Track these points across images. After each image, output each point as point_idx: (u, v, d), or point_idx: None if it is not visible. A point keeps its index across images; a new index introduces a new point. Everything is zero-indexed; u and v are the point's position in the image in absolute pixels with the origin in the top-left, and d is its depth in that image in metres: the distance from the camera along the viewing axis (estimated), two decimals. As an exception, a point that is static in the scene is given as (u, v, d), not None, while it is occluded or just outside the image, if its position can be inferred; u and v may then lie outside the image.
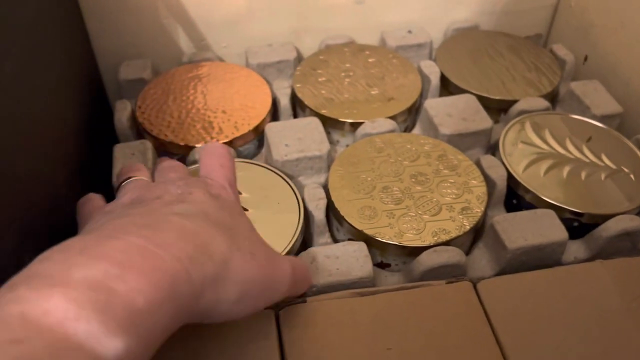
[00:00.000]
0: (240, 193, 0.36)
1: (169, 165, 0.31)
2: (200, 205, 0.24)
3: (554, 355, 0.29)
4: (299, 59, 0.48)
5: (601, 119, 0.42)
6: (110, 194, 0.32)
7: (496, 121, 0.45)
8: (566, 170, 0.38)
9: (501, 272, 0.34)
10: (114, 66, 0.46)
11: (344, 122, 0.42)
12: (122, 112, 0.41)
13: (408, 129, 0.45)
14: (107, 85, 0.47)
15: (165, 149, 0.40)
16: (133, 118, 0.42)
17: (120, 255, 0.19)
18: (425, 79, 0.45)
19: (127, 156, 0.38)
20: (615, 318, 0.30)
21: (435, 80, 0.45)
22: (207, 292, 0.21)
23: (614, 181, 0.38)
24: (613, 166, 0.39)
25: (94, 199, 0.31)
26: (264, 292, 0.25)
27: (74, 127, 0.38)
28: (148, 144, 0.39)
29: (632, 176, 0.38)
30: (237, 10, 0.47)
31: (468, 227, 0.34)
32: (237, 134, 0.40)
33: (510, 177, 0.38)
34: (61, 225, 0.31)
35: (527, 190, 0.37)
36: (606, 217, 0.35)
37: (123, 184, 0.29)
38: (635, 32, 0.44)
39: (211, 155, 0.30)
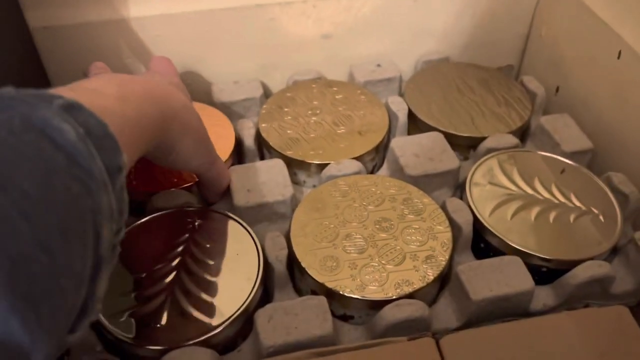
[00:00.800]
0: (199, 244, 0.35)
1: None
2: (153, 75, 0.35)
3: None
4: (267, 95, 0.48)
5: (571, 155, 0.42)
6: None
7: (466, 158, 0.44)
8: (534, 212, 0.37)
9: (467, 323, 0.34)
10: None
11: (309, 164, 0.41)
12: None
13: (376, 167, 0.44)
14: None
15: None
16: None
17: (119, 79, 0.28)
18: (393, 116, 0.45)
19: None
20: (581, 375, 0.29)
21: (402, 117, 0.44)
22: (177, 120, 0.30)
23: (583, 223, 0.37)
24: (582, 207, 0.38)
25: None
26: (205, 144, 0.34)
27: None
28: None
29: (601, 217, 0.37)
30: (202, 46, 0.46)
31: (432, 278, 0.33)
32: (197, 179, 0.39)
33: (477, 221, 0.37)
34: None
35: (494, 236, 0.36)
36: (575, 263, 0.34)
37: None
38: (604, 66, 0.43)
39: (155, 61, 0.39)
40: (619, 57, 0.41)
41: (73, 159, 0.19)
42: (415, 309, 0.32)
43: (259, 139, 0.43)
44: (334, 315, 0.34)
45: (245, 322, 0.32)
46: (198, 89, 0.47)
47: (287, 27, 0.46)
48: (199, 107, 0.44)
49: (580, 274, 0.34)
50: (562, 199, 0.38)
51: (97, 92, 0.25)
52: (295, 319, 0.31)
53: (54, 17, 0.42)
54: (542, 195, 0.39)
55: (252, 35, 0.46)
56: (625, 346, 0.30)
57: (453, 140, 0.43)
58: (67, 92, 0.22)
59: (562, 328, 0.31)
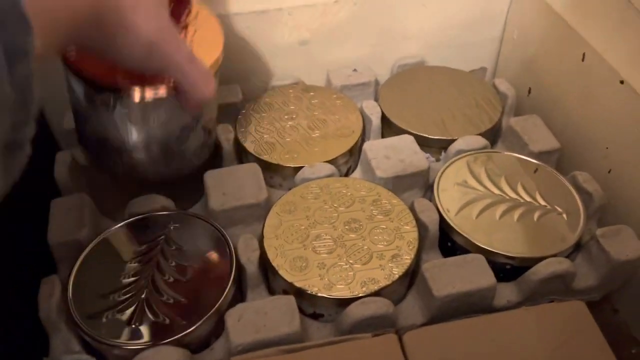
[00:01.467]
0: (173, 247, 0.36)
1: None
2: None
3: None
4: (246, 100, 0.49)
5: (539, 155, 0.43)
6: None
7: (438, 159, 0.45)
8: (500, 211, 0.39)
9: (432, 319, 0.35)
10: (60, 112, 0.46)
11: (285, 167, 0.42)
12: (62, 165, 0.41)
13: (351, 170, 0.45)
14: (54, 132, 0.48)
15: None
16: (73, 170, 0.42)
17: None
18: (367, 119, 0.46)
19: (63, 212, 0.38)
20: (537, 367, 0.30)
21: (376, 120, 0.45)
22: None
23: (547, 221, 0.38)
24: (547, 205, 0.39)
25: None
26: (168, 40, 0.28)
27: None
28: (85, 198, 0.39)
29: (564, 215, 0.38)
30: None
31: (397, 276, 0.35)
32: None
33: (443, 221, 0.38)
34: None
35: (459, 234, 0.37)
36: (538, 260, 0.36)
37: None
38: (571, 66, 0.44)
39: None
40: (583, 60, 0.43)
41: None
42: (379, 306, 0.33)
43: (237, 143, 0.45)
44: (304, 313, 0.35)
45: (217, 322, 0.34)
46: (178, 95, 0.48)
47: (264, 35, 0.48)
48: None
49: (542, 270, 0.35)
50: (528, 199, 0.40)
51: None
52: (264, 317, 0.33)
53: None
54: (508, 195, 0.40)
55: (229, 42, 0.47)
56: (580, 339, 0.32)
57: (425, 143, 0.44)
58: None
59: (521, 323, 0.32)
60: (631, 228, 0.37)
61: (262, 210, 0.39)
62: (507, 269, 0.37)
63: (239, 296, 0.37)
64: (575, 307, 0.33)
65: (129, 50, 0.26)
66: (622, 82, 0.39)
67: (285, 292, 0.35)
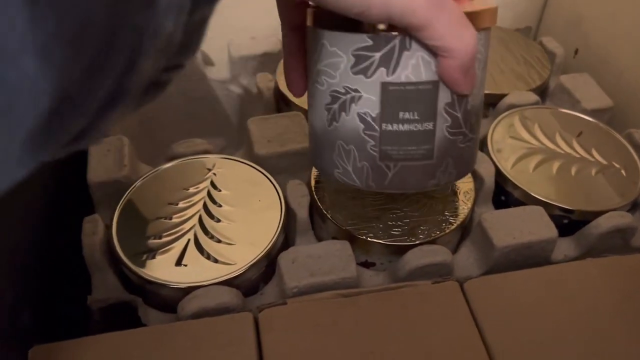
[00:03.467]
0: (220, 190, 0.35)
1: None
2: None
3: (542, 357, 0.28)
4: (284, 51, 0.47)
5: (591, 113, 0.41)
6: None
7: (485, 116, 0.44)
8: (556, 165, 0.37)
9: (489, 271, 0.33)
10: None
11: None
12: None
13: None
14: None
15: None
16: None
17: None
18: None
19: (102, 153, 0.36)
20: (605, 318, 0.29)
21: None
22: None
23: (605, 177, 0.37)
24: (604, 161, 0.38)
25: None
26: None
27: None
28: (124, 140, 0.37)
29: (623, 171, 0.37)
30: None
31: (454, 225, 0.33)
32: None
33: (499, 174, 0.36)
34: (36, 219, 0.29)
35: (516, 187, 0.36)
36: (597, 214, 0.34)
37: None
38: (626, 24, 0.43)
39: None
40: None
41: None
42: (438, 253, 0.32)
43: (277, 92, 0.43)
44: (355, 262, 0.34)
45: (267, 266, 0.32)
46: (214, 43, 0.47)
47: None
48: None
49: (603, 223, 0.34)
50: (584, 154, 0.38)
51: None
52: (318, 261, 0.31)
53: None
54: (563, 149, 0.38)
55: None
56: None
57: (473, 97, 0.42)
58: None
59: (585, 274, 0.31)
60: (692, 186, 0.36)
61: (307, 160, 0.38)
62: (564, 224, 0.35)
63: (286, 243, 0.35)
64: (638, 261, 0.32)
65: None
66: (687, 35, 0.37)
67: (336, 239, 0.34)
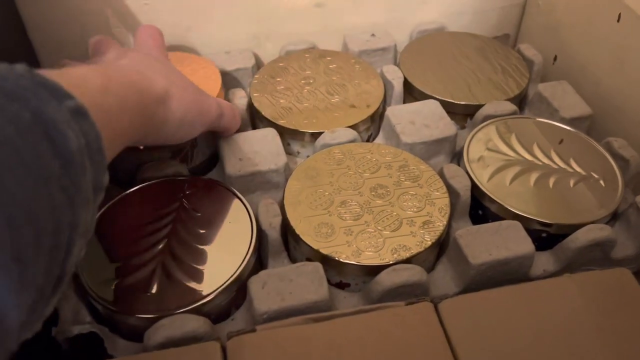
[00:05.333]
0: (189, 212, 0.34)
1: (106, 42, 0.36)
2: (153, 60, 0.33)
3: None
4: (259, 65, 0.46)
5: (570, 121, 0.41)
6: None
7: (463, 127, 0.43)
8: (534, 177, 0.37)
9: (466, 289, 0.33)
10: (52, 55, 0.43)
11: (303, 133, 0.40)
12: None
13: (372, 137, 0.43)
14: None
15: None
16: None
17: (103, 69, 0.27)
18: (388, 85, 0.44)
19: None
20: (584, 337, 0.28)
21: (398, 86, 0.43)
22: (159, 110, 0.29)
23: (584, 188, 0.36)
24: (582, 172, 0.37)
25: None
26: (198, 117, 0.33)
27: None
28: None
29: (602, 182, 0.37)
30: (193, 15, 0.45)
31: (429, 243, 0.32)
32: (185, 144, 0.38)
33: (475, 187, 0.36)
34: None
35: (493, 201, 0.35)
36: (576, 227, 0.34)
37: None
38: (603, 31, 0.42)
39: (142, 33, 0.36)
40: (618, 20, 0.40)
41: (67, 170, 0.19)
42: (412, 273, 0.31)
43: (251, 108, 0.42)
44: (329, 283, 0.33)
45: (238, 291, 0.31)
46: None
47: (279, -5, 0.45)
48: (181, 56, 0.43)
49: (582, 237, 0.33)
50: (562, 164, 0.38)
51: (82, 81, 0.24)
52: (289, 284, 0.30)
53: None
54: (541, 160, 0.38)
55: (243, 4, 0.45)
56: (627, 307, 0.30)
57: (450, 108, 0.42)
58: (56, 76, 0.21)
59: (564, 291, 0.30)
60: (671, 195, 0.35)
61: (280, 177, 0.37)
62: (542, 237, 0.35)
63: (259, 265, 0.34)
64: (620, 274, 0.31)
65: (174, 129, 0.31)
66: (662, 41, 0.37)
67: (309, 260, 0.33)
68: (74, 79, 0.23)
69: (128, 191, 0.35)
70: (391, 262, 0.32)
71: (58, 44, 0.43)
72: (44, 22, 0.42)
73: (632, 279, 0.31)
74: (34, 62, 0.43)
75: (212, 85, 0.41)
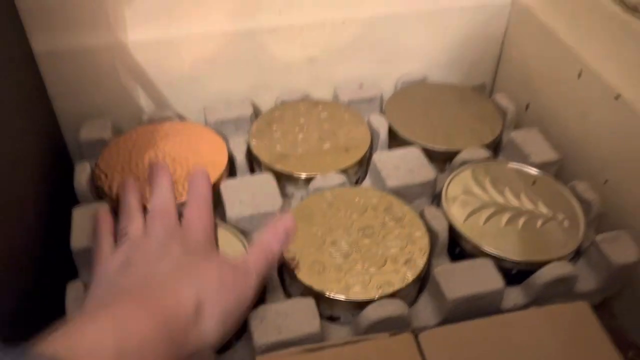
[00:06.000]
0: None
1: (159, 210, 0.37)
2: (176, 261, 0.32)
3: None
4: (256, 114, 0.51)
5: (540, 165, 0.45)
6: (67, 255, 0.34)
7: (442, 170, 0.47)
8: (505, 218, 0.41)
9: (444, 320, 0.36)
10: (75, 126, 0.48)
11: (297, 177, 0.44)
12: (81, 175, 0.42)
13: (360, 180, 0.47)
14: (69, 145, 0.49)
15: (124, 209, 0.42)
16: (92, 180, 0.43)
17: (118, 321, 0.26)
18: (374, 132, 0.48)
19: (84, 220, 0.39)
20: (547, 364, 0.32)
21: (383, 133, 0.47)
22: (191, 330, 0.28)
23: (550, 228, 0.40)
24: (549, 213, 0.41)
25: (106, 228, 0.37)
26: (239, 307, 0.31)
27: (34, 188, 0.40)
28: (106, 207, 0.40)
29: (566, 222, 0.41)
30: (196, 68, 0.49)
31: (411, 279, 0.36)
32: (194, 193, 0.42)
33: (452, 228, 0.40)
34: (21, 283, 0.32)
35: (468, 241, 0.39)
36: (542, 264, 0.38)
37: (122, 238, 0.36)
38: (567, 84, 0.47)
39: (192, 205, 0.38)
40: (579, 77, 0.45)
41: None
42: (395, 307, 0.34)
43: (250, 155, 0.46)
44: (321, 316, 0.36)
45: (240, 327, 0.35)
46: (192, 108, 0.50)
47: (275, 51, 0.50)
48: (194, 129, 0.47)
49: (546, 273, 0.37)
50: (531, 207, 0.42)
51: (91, 351, 0.23)
52: (285, 319, 0.34)
53: (56, 42, 0.45)
54: (512, 203, 0.42)
55: (243, 58, 0.49)
56: (585, 337, 0.33)
57: (430, 154, 0.46)
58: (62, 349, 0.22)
59: (531, 322, 0.34)
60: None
61: (277, 218, 0.41)
62: (513, 274, 0.38)
63: (258, 300, 0.38)
64: (580, 307, 0.35)
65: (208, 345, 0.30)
66: (617, 97, 0.41)
67: (303, 295, 0.36)
68: (82, 349, 0.23)
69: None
70: (376, 297, 0.35)
71: (74, 94, 0.47)
72: (60, 76, 0.46)
73: (589, 311, 0.35)
74: (49, 110, 0.47)
75: (217, 160, 0.44)
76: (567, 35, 0.47)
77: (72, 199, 0.42)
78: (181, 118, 0.51)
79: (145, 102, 0.50)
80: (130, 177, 0.41)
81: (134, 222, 0.36)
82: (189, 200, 0.39)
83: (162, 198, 0.38)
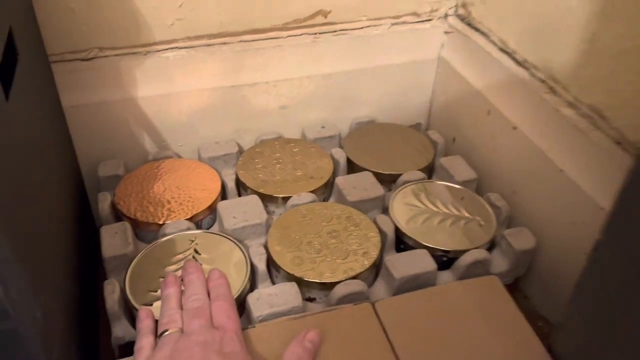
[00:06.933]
0: (200, 254, 0.48)
1: (194, 308, 0.40)
2: None
3: (438, 349, 0.42)
4: (240, 152, 0.63)
5: (462, 183, 0.59)
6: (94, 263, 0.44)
7: (389, 189, 0.60)
8: (437, 220, 0.54)
9: (394, 295, 0.48)
10: (91, 165, 0.58)
11: (277, 197, 0.56)
12: (104, 202, 0.53)
13: (326, 199, 0.59)
14: (85, 181, 0.59)
15: (140, 228, 0.52)
16: (112, 206, 0.54)
17: None
18: (336, 162, 0.61)
19: (111, 235, 0.50)
20: (471, 319, 0.44)
21: (343, 162, 0.60)
22: None
23: (470, 226, 0.53)
24: (469, 216, 0.54)
25: (147, 326, 0.40)
26: None
27: (61, 215, 0.50)
28: (127, 225, 0.51)
29: (482, 222, 0.54)
30: (191, 116, 0.61)
31: (367, 265, 0.48)
32: (196, 212, 0.53)
33: (397, 229, 0.52)
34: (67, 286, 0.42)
35: (409, 238, 0.52)
36: (464, 252, 0.50)
37: (161, 335, 0.39)
38: (480, 120, 0.61)
39: (218, 305, 0.41)
40: (488, 114, 0.60)
41: None
42: (357, 286, 0.46)
43: (238, 182, 0.58)
44: (302, 298, 0.48)
45: (239, 305, 0.46)
46: (188, 148, 0.62)
47: (254, 101, 0.63)
48: (191, 164, 0.59)
49: (467, 258, 0.49)
50: (456, 212, 0.55)
51: None
52: (275, 297, 0.45)
53: (79, 98, 0.56)
54: (442, 210, 0.55)
55: (229, 107, 0.62)
56: (495, 302, 0.46)
57: (379, 177, 0.59)
58: None
59: (456, 292, 0.47)
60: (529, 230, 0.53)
61: (263, 228, 0.53)
62: (444, 260, 0.51)
63: (252, 287, 0.49)
64: (491, 280, 0.48)
65: None
66: (514, 128, 0.56)
67: (287, 282, 0.48)
68: None
69: (155, 243, 0.50)
70: (343, 279, 0.47)
71: (92, 138, 0.58)
72: (83, 127, 0.57)
73: (499, 283, 0.47)
74: (72, 152, 0.57)
75: (212, 186, 0.56)
76: (478, 83, 0.62)
77: (89, 223, 0.53)
78: (179, 156, 0.62)
79: (149, 145, 0.61)
80: (171, 274, 0.44)
81: (173, 321, 0.39)
82: (213, 300, 0.41)
83: (196, 296, 0.41)
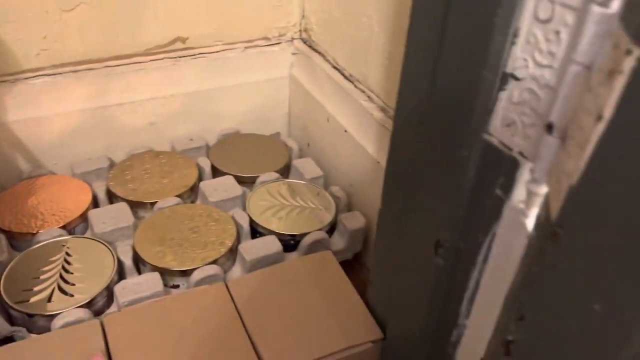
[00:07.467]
0: (71, 256, 0.54)
1: None
2: None
3: (277, 313, 0.51)
4: (112, 166, 0.69)
5: (310, 180, 0.69)
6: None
7: (250, 189, 0.69)
8: (286, 211, 0.63)
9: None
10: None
11: (146, 203, 0.63)
12: (-22, 218, 0.58)
13: (193, 201, 0.67)
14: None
15: (15, 238, 0.57)
16: (-13, 221, 0.58)
17: None
18: (201, 169, 0.69)
19: (-15, 246, 0.54)
20: (305, 290, 0.54)
21: (208, 169, 0.69)
22: None
23: (314, 214, 0.63)
24: (313, 206, 0.65)
25: None
26: None
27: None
28: (1, 236, 0.56)
29: (324, 210, 0.64)
30: (62, 137, 0.67)
31: (223, 252, 0.56)
32: (68, 221, 0.59)
33: (252, 222, 0.61)
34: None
35: (262, 227, 0.61)
36: (307, 234, 0.60)
37: None
38: (323, 126, 0.72)
39: None
40: (328, 121, 0.71)
41: None
42: (212, 270, 0.54)
43: (109, 193, 0.64)
44: (166, 287, 0.55)
45: (108, 295, 0.52)
46: (63, 166, 0.67)
47: (123, 120, 0.69)
48: (65, 179, 0.64)
49: (309, 239, 0.59)
50: (303, 204, 0.65)
51: None
52: (140, 286, 0.52)
53: None
54: (291, 203, 0.65)
55: (98, 127, 0.68)
56: (328, 272, 0.56)
57: (240, 179, 0.68)
58: None
59: (296, 266, 0.56)
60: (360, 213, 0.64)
61: (131, 231, 0.59)
62: (292, 243, 0.60)
63: (121, 279, 0.55)
64: (325, 255, 0.58)
65: None
66: (345, 131, 0.67)
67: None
68: None
69: (29, 249, 0.55)
70: (200, 266, 0.55)
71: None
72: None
73: (332, 257, 0.58)
74: None
75: (84, 198, 0.62)
76: (319, 95, 0.73)
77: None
78: (53, 174, 0.67)
79: (24, 165, 0.66)
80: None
81: None
82: None
83: None
